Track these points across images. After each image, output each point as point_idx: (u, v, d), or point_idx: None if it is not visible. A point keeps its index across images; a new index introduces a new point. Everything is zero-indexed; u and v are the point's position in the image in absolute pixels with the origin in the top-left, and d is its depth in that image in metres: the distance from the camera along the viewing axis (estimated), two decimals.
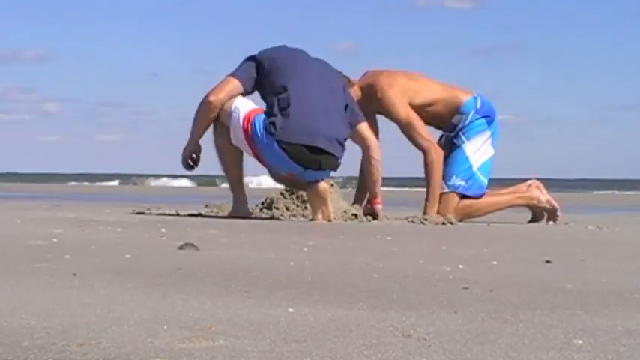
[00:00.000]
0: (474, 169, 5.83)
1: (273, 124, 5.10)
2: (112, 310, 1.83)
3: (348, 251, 3.42)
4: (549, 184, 6.85)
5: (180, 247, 3.25)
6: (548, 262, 3.13)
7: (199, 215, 5.64)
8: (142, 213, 5.84)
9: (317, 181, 5.19)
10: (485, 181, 5.90)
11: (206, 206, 6.12)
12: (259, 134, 5.14)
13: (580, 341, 1.64)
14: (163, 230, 4.18)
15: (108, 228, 4.31)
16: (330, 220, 5.16)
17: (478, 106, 5.82)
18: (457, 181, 5.81)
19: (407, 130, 5.73)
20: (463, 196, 5.83)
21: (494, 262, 3.08)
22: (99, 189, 24.42)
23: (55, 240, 3.51)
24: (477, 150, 5.85)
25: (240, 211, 5.45)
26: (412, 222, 5.42)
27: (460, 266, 2.90)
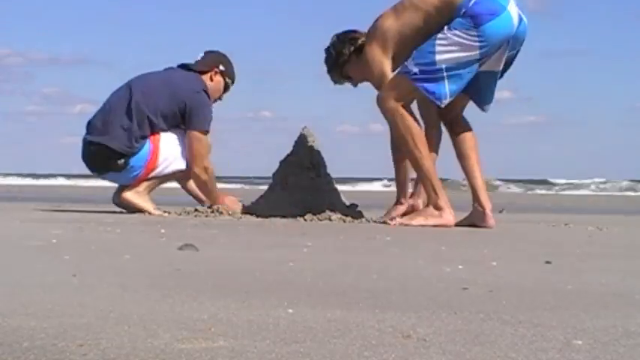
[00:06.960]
0: (439, 63, 4.82)
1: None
2: (111, 311, 1.83)
3: (348, 251, 3.42)
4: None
5: (180, 248, 3.25)
6: (548, 262, 3.13)
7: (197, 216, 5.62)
8: (142, 213, 5.84)
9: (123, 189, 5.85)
10: (448, 91, 4.85)
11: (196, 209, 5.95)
12: None
13: (580, 342, 1.64)
14: (163, 231, 4.18)
15: (107, 228, 4.31)
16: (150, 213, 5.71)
17: (471, 3, 4.80)
18: (411, 66, 4.90)
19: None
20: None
21: (494, 263, 3.08)
22: (99, 189, 24.35)
23: (54, 240, 3.51)
24: (449, 45, 4.81)
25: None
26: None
27: (460, 267, 2.90)
